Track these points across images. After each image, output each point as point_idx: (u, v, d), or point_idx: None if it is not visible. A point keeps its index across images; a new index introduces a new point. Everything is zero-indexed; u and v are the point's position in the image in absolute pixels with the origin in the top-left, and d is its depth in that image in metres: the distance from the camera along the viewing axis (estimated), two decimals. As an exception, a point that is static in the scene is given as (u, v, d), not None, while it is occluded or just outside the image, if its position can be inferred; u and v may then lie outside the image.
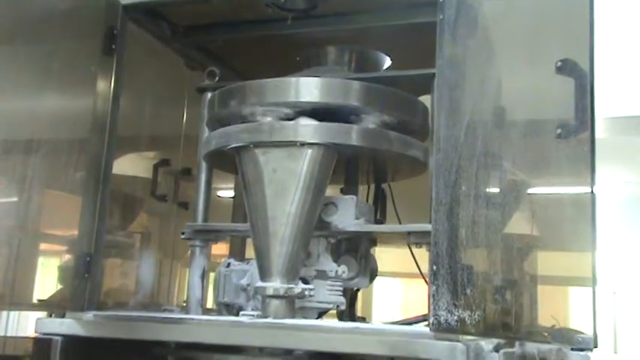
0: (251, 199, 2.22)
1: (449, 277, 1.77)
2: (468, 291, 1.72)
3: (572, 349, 1.47)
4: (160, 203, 3.35)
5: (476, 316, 1.70)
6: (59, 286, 3.02)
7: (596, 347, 1.44)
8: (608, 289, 6.83)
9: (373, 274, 2.60)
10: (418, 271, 2.71)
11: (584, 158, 1.72)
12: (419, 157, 2.32)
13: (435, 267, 1.81)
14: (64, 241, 3.49)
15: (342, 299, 2.37)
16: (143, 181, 4.22)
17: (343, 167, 2.49)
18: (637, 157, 6.19)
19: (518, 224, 2.06)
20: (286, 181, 2.17)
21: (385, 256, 2.82)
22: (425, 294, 2.22)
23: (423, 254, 2.51)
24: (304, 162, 2.16)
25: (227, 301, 2.40)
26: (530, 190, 2.12)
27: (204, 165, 2.56)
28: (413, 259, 2.64)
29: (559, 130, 1.65)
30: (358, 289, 2.69)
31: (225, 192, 3.62)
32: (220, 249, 2.96)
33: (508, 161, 2.06)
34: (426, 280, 2.54)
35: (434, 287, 1.80)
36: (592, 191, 1.71)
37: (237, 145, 2.22)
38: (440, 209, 1.83)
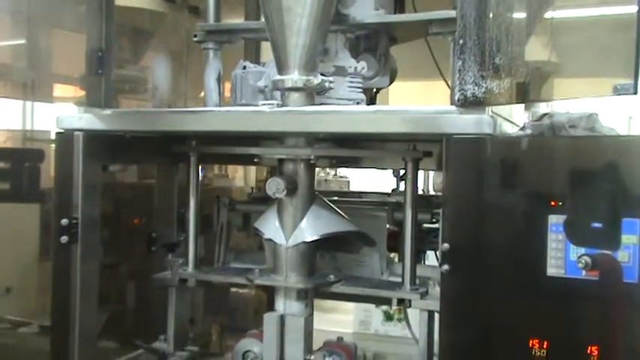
0: (264, -11, 2.10)
1: (477, 49, 1.69)
2: (497, 60, 1.65)
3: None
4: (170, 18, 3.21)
5: (505, 84, 1.64)
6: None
7: (635, 93, 1.39)
8: (624, 113, 6.75)
9: (393, 74, 2.53)
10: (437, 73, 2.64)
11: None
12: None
13: (461, 40, 1.73)
14: (75, 81, 3.43)
15: (362, 96, 2.31)
16: (150, 14, 4.06)
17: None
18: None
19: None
20: (301, -34, 2.03)
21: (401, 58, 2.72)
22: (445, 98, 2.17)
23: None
24: (320, -57, 2.00)
25: (244, 102, 2.36)
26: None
27: (212, -40, 2.40)
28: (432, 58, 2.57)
29: None
30: (377, 92, 2.64)
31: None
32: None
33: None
34: (445, 80, 2.49)
35: (460, 62, 1.73)
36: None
37: None
38: (467, -21, 1.71)
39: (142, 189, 2.74)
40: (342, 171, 7.22)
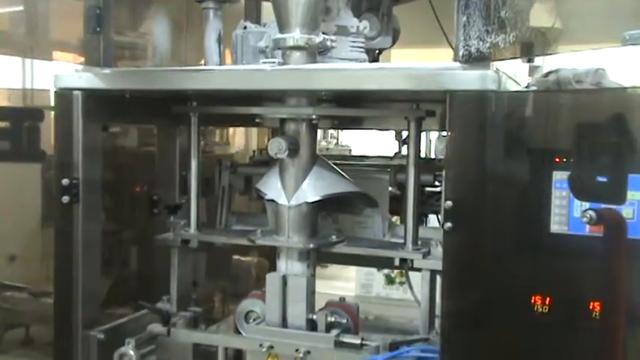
0: (265, -55, 2.06)
1: (481, 3, 1.66)
2: (503, 13, 1.62)
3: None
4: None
5: (511, 38, 1.61)
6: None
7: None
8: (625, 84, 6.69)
9: (396, 34, 2.50)
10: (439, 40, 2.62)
11: None
12: None
13: (466, -6, 1.69)
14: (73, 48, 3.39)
15: (365, 56, 2.28)
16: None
17: None
18: None
19: None
20: None
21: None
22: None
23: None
24: None
25: (245, 63, 2.33)
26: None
27: None
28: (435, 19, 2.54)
29: None
30: (380, 53, 2.61)
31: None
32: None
33: None
34: (448, 41, 2.45)
35: (464, 17, 1.70)
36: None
37: None
38: None
39: (143, 152, 2.72)
40: (343, 140, 7.20)
